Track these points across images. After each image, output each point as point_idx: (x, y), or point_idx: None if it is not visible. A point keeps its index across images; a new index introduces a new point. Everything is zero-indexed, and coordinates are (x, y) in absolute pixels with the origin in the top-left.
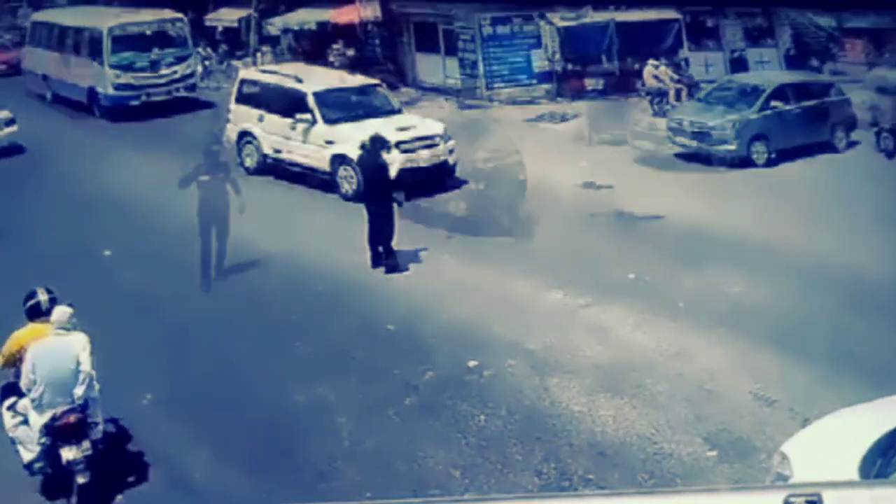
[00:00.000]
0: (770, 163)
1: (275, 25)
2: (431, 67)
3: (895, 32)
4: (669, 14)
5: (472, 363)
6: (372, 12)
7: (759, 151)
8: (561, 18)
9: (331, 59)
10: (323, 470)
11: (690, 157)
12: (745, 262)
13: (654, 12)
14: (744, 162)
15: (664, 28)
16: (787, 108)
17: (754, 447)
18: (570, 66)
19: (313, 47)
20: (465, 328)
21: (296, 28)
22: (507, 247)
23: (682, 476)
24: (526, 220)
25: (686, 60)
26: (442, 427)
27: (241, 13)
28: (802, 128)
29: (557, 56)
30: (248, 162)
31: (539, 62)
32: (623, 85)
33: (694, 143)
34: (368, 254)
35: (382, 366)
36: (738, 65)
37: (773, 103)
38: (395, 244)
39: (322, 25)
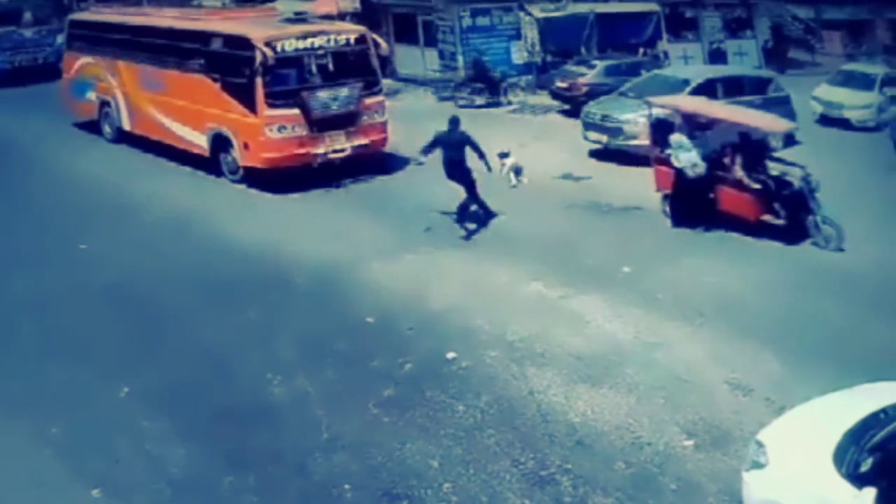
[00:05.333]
0: None
1: None
2: (411, 59)
3: (873, 24)
4: (649, 6)
5: (450, 354)
6: (351, 3)
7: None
8: (541, 10)
9: None
10: (301, 462)
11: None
12: (721, 252)
13: (634, 4)
14: None
15: (644, 20)
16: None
17: (731, 436)
18: (549, 58)
19: None
20: (444, 320)
21: None
22: (485, 238)
23: (660, 465)
24: (504, 212)
25: (665, 52)
26: (420, 418)
27: (214, 4)
28: None
29: (537, 48)
30: None
31: (518, 54)
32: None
33: (604, 138)
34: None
35: (361, 358)
36: (717, 56)
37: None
38: (375, 237)
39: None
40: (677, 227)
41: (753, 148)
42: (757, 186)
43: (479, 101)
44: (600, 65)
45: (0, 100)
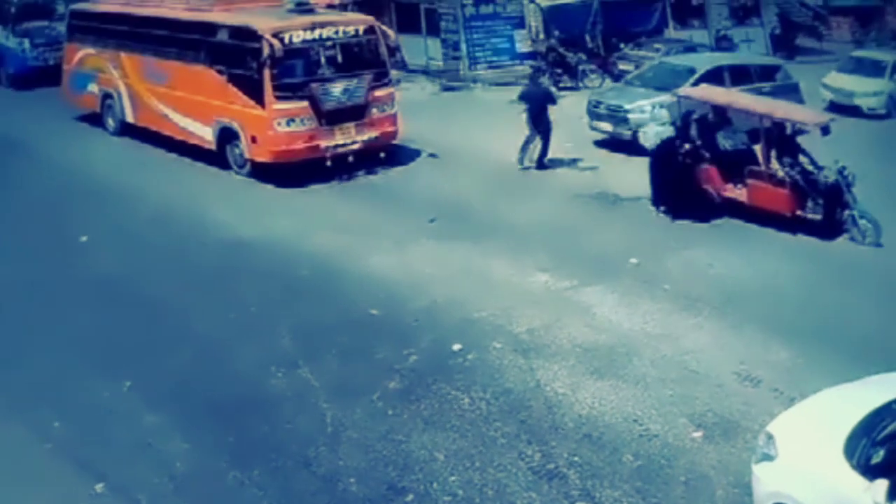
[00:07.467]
0: None
1: None
2: (413, 48)
3: (882, 10)
4: None
5: (456, 346)
6: None
7: None
8: None
9: None
10: (306, 455)
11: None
12: (728, 242)
13: None
14: None
15: (649, 7)
16: None
17: (740, 427)
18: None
19: None
20: (449, 311)
21: None
22: (490, 229)
23: (668, 457)
24: (509, 202)
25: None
26: (426, 410)
27: None
28: None
29: (541, 36)
30: None
31: (522, 42)
32: (607, 65)
33: (610, 127)
34: None
35: (366, 350)
36: (724, 44)
37: (702, 86)
38: (381, 229)
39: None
40: (676, 219)
41: (788, 141)
42: (792, 181)
43: (560, 85)
44: (663, 48)
45: (30, 100)
